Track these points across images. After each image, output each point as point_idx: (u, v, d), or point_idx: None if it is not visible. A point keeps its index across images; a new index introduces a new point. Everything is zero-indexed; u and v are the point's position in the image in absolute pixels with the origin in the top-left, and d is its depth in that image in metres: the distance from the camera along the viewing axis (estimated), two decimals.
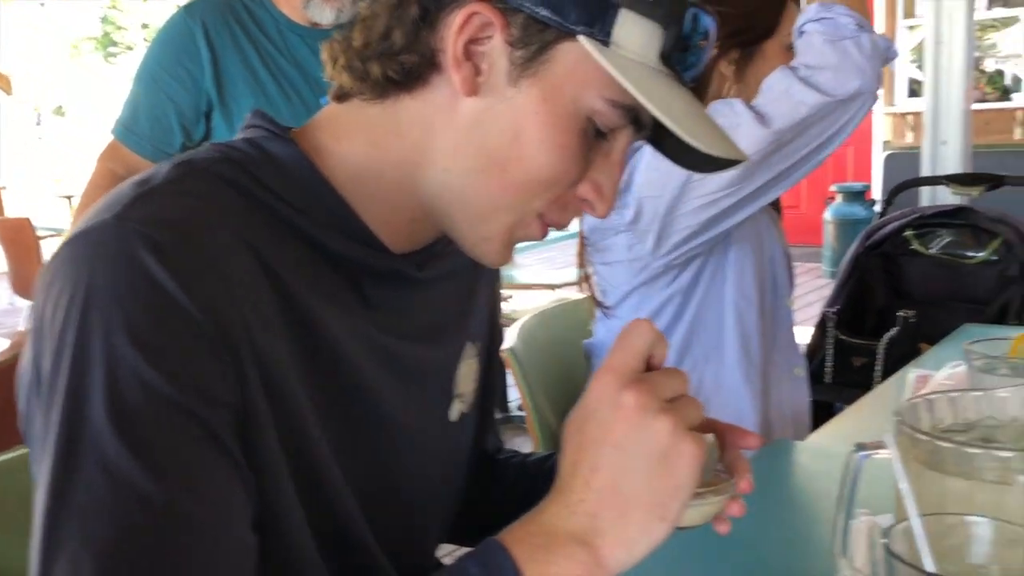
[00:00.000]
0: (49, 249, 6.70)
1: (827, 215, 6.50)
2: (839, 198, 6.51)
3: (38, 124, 12.41)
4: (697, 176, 1.21)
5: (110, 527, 0.52)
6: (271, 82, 1.62)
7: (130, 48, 12.78)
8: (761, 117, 1.21)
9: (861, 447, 0.69)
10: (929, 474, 0.64)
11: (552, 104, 0.63)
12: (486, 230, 0.68)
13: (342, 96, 0.69)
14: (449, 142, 0.66)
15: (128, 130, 1.66)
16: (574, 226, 1.19)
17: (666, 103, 0.61)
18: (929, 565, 0.56)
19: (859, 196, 6.48)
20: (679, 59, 0.64)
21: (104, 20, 13.70)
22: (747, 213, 1.29)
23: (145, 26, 12.18)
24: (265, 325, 0.60)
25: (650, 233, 1.29)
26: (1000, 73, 7.36)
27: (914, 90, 6.96)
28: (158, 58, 1.64)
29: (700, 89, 1.32)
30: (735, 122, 1.22)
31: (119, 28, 13.80)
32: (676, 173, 1.23)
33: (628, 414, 0.57)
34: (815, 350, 2.34)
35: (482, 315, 0.86)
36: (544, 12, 0.61)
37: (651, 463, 0.57)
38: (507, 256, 0.71)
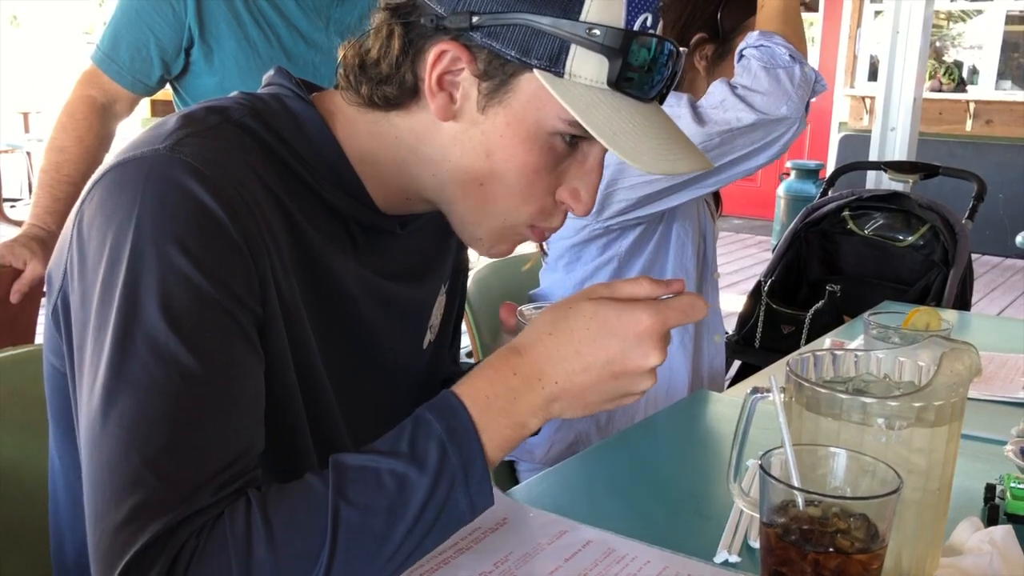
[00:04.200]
0: (4, 164, 6.58)
1: (780, 190, 6.65)
2: (793, 174, 6.67)
3: None
4: None
5: (159, 395, 0.62)
6: (252, 23, 1.67)
7: None
8: (699, 117, 1.35)
9: (756, 390, 0.81)
10: (808, 414, 0.76)
11: (516, 129, 0.73)
12: (475, 232, 0.80)
13: (342, 91, 0.78)
14: (434, 155, 0.76)
15: (108, 58, 1.69)
16: None
17: (609, 125, 0.70)
18: (796, 482, 0.69)
19: (813, 174, 6.64)
20: (644, 79, 0.73)
21: None
22: (680, 199, 1.42)
23: None
24: (280, 253, 0.71)
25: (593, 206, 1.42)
26: (959, 64, 7.54)
27: (875, 74, 7.11)
28: None
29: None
30: (677, 113, 1.35)
31: None
32: None
33: (643, 366, 0.68)
34: (748, 317, 2.49)
35: (453, 259, 0.98)
36: (504, 49, 0.70)
37: (618, 396, 0.70)
38: (504, 252, 0.82)
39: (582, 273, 1.52)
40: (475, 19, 0.70)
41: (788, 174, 6.75)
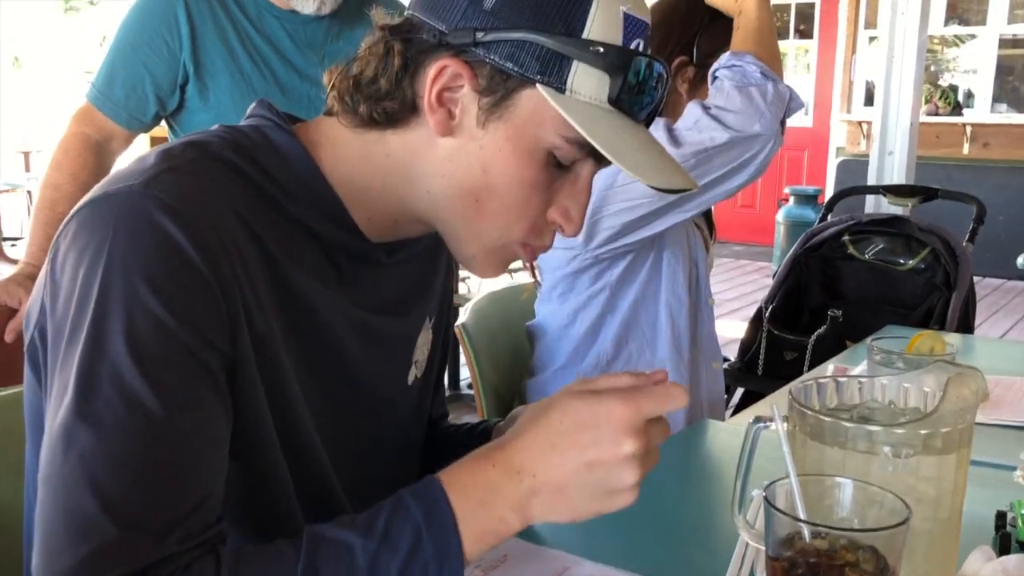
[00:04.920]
0: (4, 203, 6.60)
1: (779, 216, 6.66)
2: (792, 200, 6.68)
3: None
4: (621, 181, 1.36)
5: (121, 434, 0.61)
6: (247, 60, 1.67)
7: (91, 2, 12.53)
8: (674, 139, 1.36)
9: (758, 419, 0.80)
10: (812, 444, 0.75)
11: (516, 143, 0.73)
12: (469, 249, 0.79)
13: (335, 114, 0.78)
14: (429, 171, 0.76)
15: (103, 96, 1.69)
16: None
17: (611, 139, 0.71)
18: (802, 513, 0.67)
19: (812, 199, 6.65)
20: (635, 100, 0.74)
21: None
22: (666, 223, 1.42)
23: None
24: (256, 290, 0.70)
25: (582, 227, 1.42)
26: (954, 88, 7.58)
27: (871, 99, 7.15)
28: (137, 27, 1.67)
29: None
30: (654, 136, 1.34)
31: None
32: (604, 175, 1.36)
33: (617, 454, 0.65)
34: (750, 344, 2.47)
35: (439, 293, 0.97)
36: (507, 64, 0.71)
37: (603, 493, 0.67)
38: (497, 272, 0.81)
39: (575, 303, 1.51)
40: (479, 35, 0.70)
41: (787, 200, 6.76)
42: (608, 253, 1.46)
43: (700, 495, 1.11)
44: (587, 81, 0.71)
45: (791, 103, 1.38)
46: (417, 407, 0.95)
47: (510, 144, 0.73)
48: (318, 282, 0.77)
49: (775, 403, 0.74)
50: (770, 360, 2.41)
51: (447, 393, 4.07)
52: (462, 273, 3.78)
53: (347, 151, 0.78)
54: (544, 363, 1.58)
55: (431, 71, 0.72)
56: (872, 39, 7.42)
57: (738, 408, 2.44)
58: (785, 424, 0.74)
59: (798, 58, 8.10)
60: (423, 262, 0.91)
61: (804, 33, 8.00)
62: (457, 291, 3.56)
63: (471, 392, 2.76)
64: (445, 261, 0.98)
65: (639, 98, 0.74)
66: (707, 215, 1.74)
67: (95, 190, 0.69)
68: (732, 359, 2.51)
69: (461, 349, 1.60)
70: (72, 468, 0.61)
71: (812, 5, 7.85)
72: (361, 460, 0.85)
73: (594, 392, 0.68)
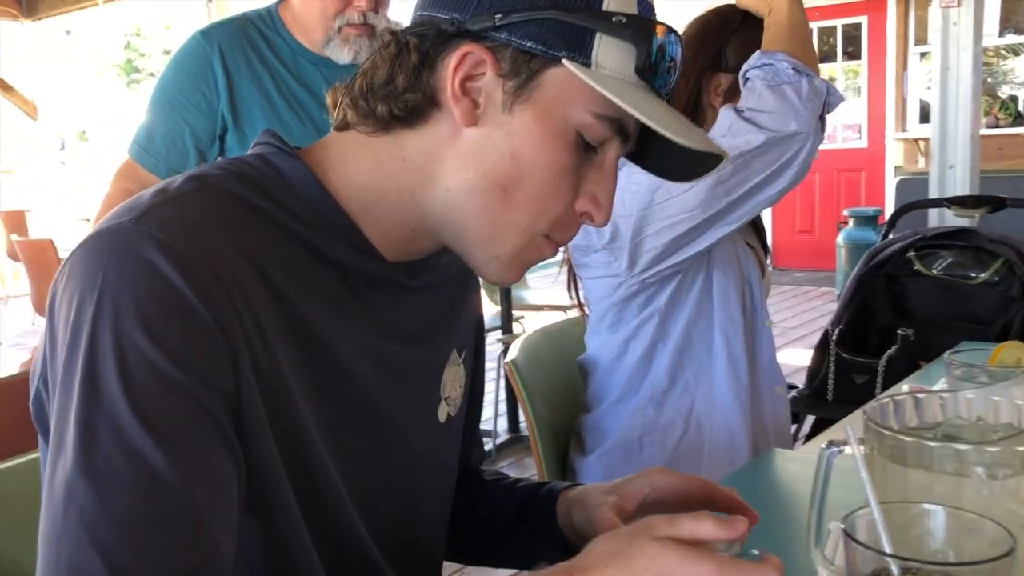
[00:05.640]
0: None
1: (840, 239, 6.51)
2: (851, 222, 6.53)
3: (62, 149, 12.61)
4: (659, 199, 1.31)
5: (123, 490, 0.57)
6: (284, 106, 1.68)
7: (152, 75, 13.02)
8: None
9: (832, 443, 0.73)
10: (893, 467, 0.67)
11: (545, 124, 0.70)
12: (494, 250, 0.74)
13: (344, 127, 0.76)
14: (451, 167, 0.72)
15: (144, 151, 1.72)
16: None
17: (646, 109, 0.68)
18: (887, 547, 0.59)
19: (871, 220, 6.49)
20: (659, 71, 0.72)
21: (127, 47, 13.94)
22: (710, 239, 1.36)
23: (167, 52, 12.40)
24: (261, 327, 0.66)
25: (624, 251, 1.38)
26: (1014, 99, 7.37)
27: (926, 115, 6.99)
28: (175, 81, 1.70)
29: (695, 121, 1.40)
30: None
31: (141, 55, 14.04)
32: (641, 195, 1.33)
33: None
34: (817, 369, 2.36)
35: (468, 324, 0.91)
36: (530, 44, 0.69)
37: None
38: (517, 275, 0.77)
39: (625, 332, 1.46)
40: (498, 18, 0.69)
41: (846, 222, 6.61)
42: (654, 276, 1.40)
43: (771, 531, 1.02)
44: (611, 54, 0.69)
45: (830, 97, 1.32)
46: (450, 448, 0.90)
47: (539, 126, 0.70)
48: (334, 313, 0.72)
49: (849, 426, 0.67)
50: (840, 384, 2.29)
51: (506, 437, 4.01)
52: (516, 312, 3.73)
53: (358, 163, 0.74)
54: (599, 397, 1.52)
55: (452, 60, 0.70)
56: (923, 55, 7.27)
57: (809, 436, 2.33)
58: (861, 447, 0.66)
59: (847, 79, 7.97)
60: (450, 291, 0.86)
61: (852, 54, 7.87)
62: (511, 330, 3.51)
63: (524, 432, 2.69)
64: (474, 291, 0.93)
65: (652, 79, 0.71)
66: (760, 235, 1.67)
67: (92, 229, 0.66)
68: (799, 387, 2.40)
69: (513, 388, 1.55)
70: (74, 527, 0.57)
71: (858, 25, 7.74)
72: (387, 502, 0.80)
73: (683, 544, 0.62)
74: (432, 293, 0.83)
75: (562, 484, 0.93)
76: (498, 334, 3.63)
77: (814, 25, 6.79)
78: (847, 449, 0.68)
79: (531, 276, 4.03)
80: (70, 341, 0.61)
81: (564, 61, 0.68)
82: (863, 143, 7.68)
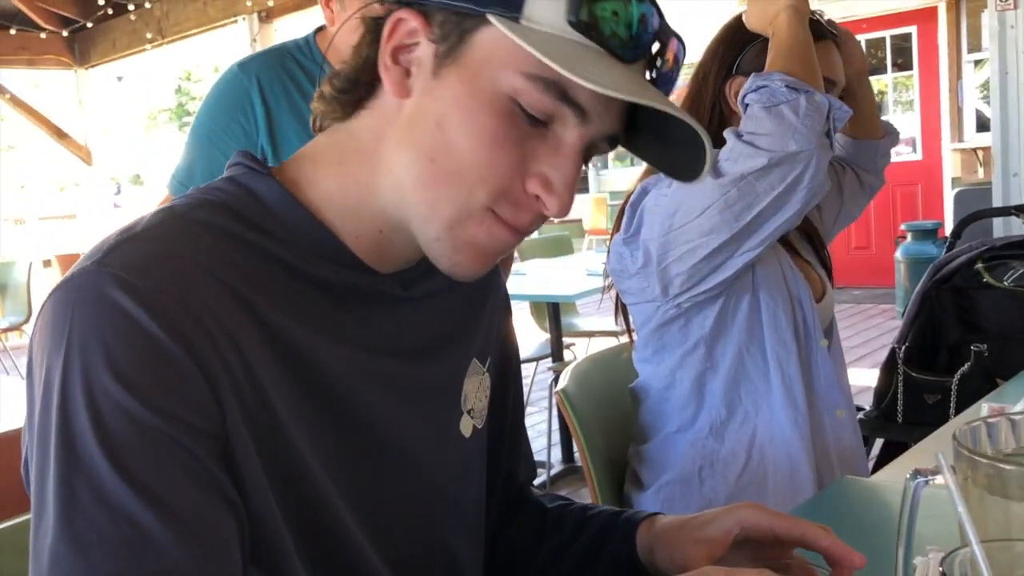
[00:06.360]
0: None
1: (898, 255, 6.35)
2: (910, 237, 6.36)
3: (117, 193, 12.95)
4: (678, 223, 1.28)
5: (110, 556, 0.53)
6: None
7: None
8: (716, 170, 1.27)
9: (918, 473, 0.65)
10: (991, 499, 0.60)
11: (471, 87, 0.64)
12: (432, 229, 0.67)
13: (320, 127, 0.73)
14: (392, 146, 0.68)
15: (184, 186, 1.70)
16: None
17: (573, 61, 0.61)
18: None
19: (931, 234, 6.32)
20: (603, 41, 0.63)
21: (178, 91, 14.31)
22: (737, 264, 1.31)
23: None
24: (244, 357, 0.61)
25: (655, 276, 1.34)
26: None
27: (983, 124, 6.79)
28: (213, 116, 1.68)
29: (722, 127, 1.36)
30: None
31: (193, 98, 14.39)
32: (663, 217, 1.30)
33: None
34: (885, 390, 2.25)
35: (489, 331, 0.85)
36: (460, 3, 0.64)
37: None
38: (471, 260, 0.68)
39: (670, 362, 1.41)
40: None
41: (904, 237, 6.43)
42: (689, 301, 1.36)
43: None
44: (545, 7, 0.62)
45: (835, 112, 1.27)
46: (479, 462, 0.84)
47: (465, 88, 0.64)
48: (327, 336, 0.67)
49: (939, 452, 0.60)
50: (910, 405, 2.18)
51: (560, 467, 3.91)
52: (566, 339, 3.66)
53: (327, 167, 0.70)
54: (653, 428, 1.46)
55: (386, 29, 0.67)
56: (978, 63, 7.08)
57: (879, 461, 2.21)
58: (954, 477, 0.59)
59: (899, 91, 7.80)
60: (464, 297, 0.80)
61: (902, 66, 7.71)
62: (562, 358, 3.44)
63: (579, 464, 2.62)
64: (495, 295, 0.87)
65: (635, 36, 0.63)
66: (820, 254, 1.59)
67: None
68: (867, 408, 2.29)
69: (565, 418, 1.50)
70: None
71: (908, 36, 7.58)
72: (409, 526, 0.74)
73: None
74: (437, 302, 0.77)
75: (641, 514, 0.86)
76: (548, 362, 3.57)
77: (861, 38, 6.66)
78: (937, 478, 0.61)
79: (580, 303, 3.96)
80: (43, 397, 0.57)
81: (489, 16, 0.63)
82: (918, 155, 7.50)
